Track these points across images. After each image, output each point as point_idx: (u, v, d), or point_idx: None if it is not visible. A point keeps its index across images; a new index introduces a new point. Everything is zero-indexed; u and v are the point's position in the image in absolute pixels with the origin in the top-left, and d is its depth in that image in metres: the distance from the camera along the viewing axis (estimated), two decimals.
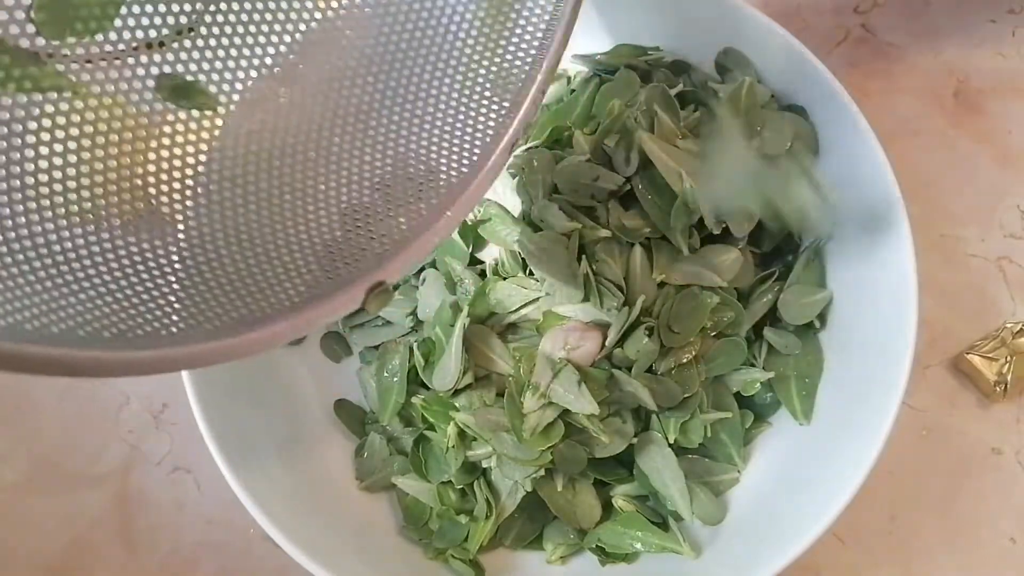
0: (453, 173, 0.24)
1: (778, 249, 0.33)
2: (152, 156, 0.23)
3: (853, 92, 0.30)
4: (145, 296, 0.20)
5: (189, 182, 0.24)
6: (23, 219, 0.19)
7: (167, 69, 0.23)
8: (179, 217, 0.23)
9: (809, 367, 0.32)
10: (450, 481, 0.31)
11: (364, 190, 0.25)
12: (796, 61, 0.31)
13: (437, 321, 0.32)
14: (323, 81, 0.26)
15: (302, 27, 0.26)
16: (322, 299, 0.20)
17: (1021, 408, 0.36)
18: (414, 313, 0.34)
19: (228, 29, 0.24)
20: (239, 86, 0.25)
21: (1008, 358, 0.35)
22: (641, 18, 0.35)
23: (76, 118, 0.21)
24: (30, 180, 0.19)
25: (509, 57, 0.25)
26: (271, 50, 0.25)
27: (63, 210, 0.20)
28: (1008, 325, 0.36)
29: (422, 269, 0.34)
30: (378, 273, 0.20)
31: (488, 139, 0.24)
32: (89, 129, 0.21)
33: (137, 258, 0.21)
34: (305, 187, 0.24)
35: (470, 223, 0.33)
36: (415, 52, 0.26)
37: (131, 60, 0.23)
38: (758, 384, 0.32)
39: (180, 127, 0.24)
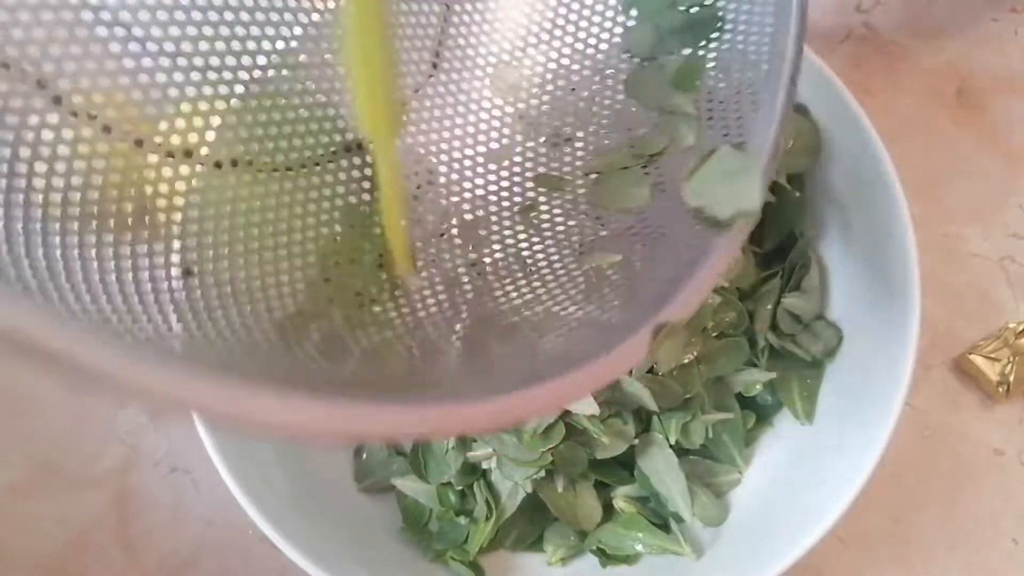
0: None
1: (779, 248, 0.33)
2: None
3: (855, 91, 0.30)
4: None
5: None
6: None
7: None
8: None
9: (811, 367, 0.32)
10: (450, 482, 0.31)
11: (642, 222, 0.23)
12: None
13: None
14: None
15: None
16: (607, 350, 0.18)
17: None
18: None
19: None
20: None
21: (1011, 358, 0.35)
22: None
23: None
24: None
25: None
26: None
27: None
28: (1011, 325, 0.35)
29: None
30: (662, 312, 0.18)
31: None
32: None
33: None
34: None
35: None
36: None
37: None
38: (759, 385, 0.31)
39: None
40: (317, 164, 0.23)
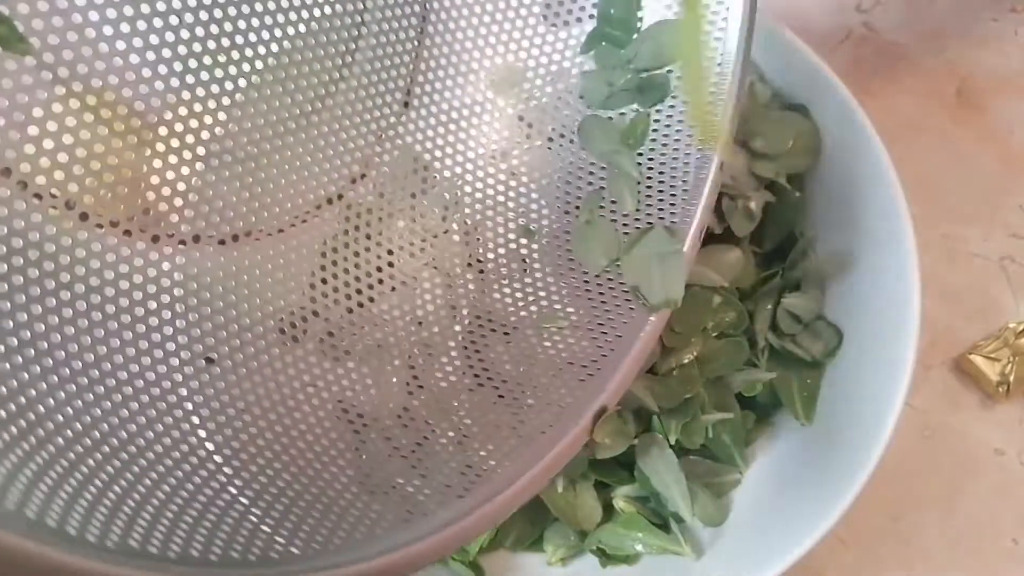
0: None
1: (779, 248, 0.33)
2: None
3: (855, 91, 0.30)
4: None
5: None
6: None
7: None
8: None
9: (811, 367, 0.32)
10: None
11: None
12: (798, 60, 0.31)
13: None
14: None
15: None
16: (553, 440, 0.19)
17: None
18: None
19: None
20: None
21: (1011, 358, 0.35)
22: None
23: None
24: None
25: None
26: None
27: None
28: (1011, 325, 0.35)
29: None
30: (600, 397, 0.20)
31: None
32: None
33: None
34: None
35: None
36: None
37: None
38: (760, 385, 0.31)
39: None
40: (304, 220, 0.24)
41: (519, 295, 0.25)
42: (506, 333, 0.24)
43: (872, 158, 0.30)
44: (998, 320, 0.36)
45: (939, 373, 0.36)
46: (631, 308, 0.23)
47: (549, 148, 0.27)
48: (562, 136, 0.27)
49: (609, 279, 0.24)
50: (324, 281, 0.23)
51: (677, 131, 0.25)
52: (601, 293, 0.24)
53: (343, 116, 0.24)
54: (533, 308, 0.24)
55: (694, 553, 0.30)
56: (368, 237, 0.25)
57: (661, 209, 0.24)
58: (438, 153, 0.26)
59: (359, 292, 0.24)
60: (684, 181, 0.24)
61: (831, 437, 0.30)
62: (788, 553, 0.27)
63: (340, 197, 0.24)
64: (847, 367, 0.31)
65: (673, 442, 0.30)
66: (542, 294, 0.25)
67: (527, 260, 0.25)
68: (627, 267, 0.23)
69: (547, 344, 0.23)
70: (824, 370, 0.32)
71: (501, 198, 0.26)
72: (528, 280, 0.25)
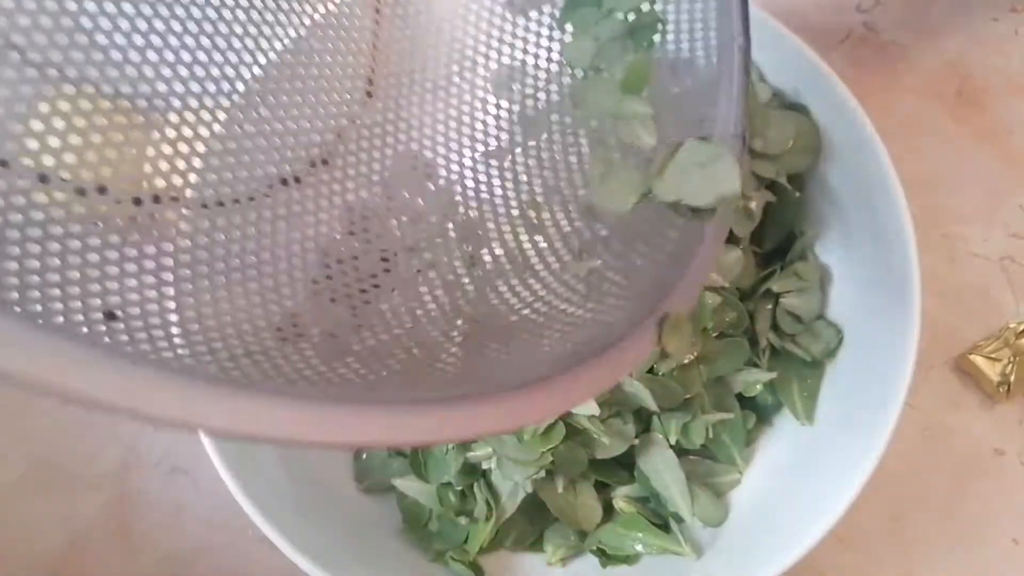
0: None
1: (780, 248, 0.33)
2: None
3: (855, 91, 0.30)
4: None
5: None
6: None
7: None
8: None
9: (811, 367, 0.32)
10: (450, 482, 0.31)
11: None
12: (798, 60, 0.31)
13: None
14: None
15: None
16: (614, 345, 0.17)
17: None
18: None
19: None
20: None
21: (1011, 359, 0.35)
22: None
23: None
24: None
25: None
26: None
27: None
28: (1011, 325, 0.35)
29: None
30: (663, 304, 0.18)
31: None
32: None
33: None
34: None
35: None
36: None
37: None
38: (760, 385, 0.31)
39: None
40: (252, 199, 0.23)
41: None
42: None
43: (872, 158, 0.30)
44: (998, 320, 0.36)
45: (939, 373, 0.36)
46: (678, 230, 0.21)
47: (545, 136, 0.27)
48: (556, 115, 0.26)
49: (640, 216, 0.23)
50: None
51: (684, 45, 0.24)
52: (636, 234, 0.23)
53: (295, 92, 0.24)
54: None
55: (694, 553, 0.30)
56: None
57: (686, 131, 0.22)
58: (437, 146, 0.26)
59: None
60: (705, 95, 0.22)
61: (831, 437, 0.30)
62: (788, 553, 0.27)
63: (297, 179, 0.24)
64: (847, 367, 0.31)
65: (673, 442, 0.30)
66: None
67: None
68: (663, 189, 0.20)
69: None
70: (824, 370, 0.32)
71: (499, 190, 0.26)
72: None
